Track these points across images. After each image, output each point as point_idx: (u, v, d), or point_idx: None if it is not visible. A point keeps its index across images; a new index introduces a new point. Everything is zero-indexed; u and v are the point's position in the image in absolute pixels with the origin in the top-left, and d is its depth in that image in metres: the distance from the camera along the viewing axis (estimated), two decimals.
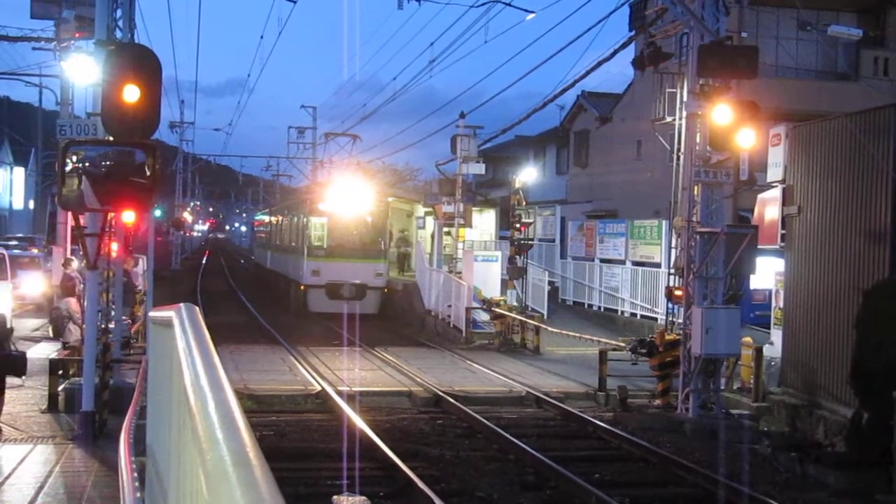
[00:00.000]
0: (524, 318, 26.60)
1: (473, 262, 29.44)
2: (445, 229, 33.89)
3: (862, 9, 31.06)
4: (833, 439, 15.02)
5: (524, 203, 30.80)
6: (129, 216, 15.08)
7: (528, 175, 35.09)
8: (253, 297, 41.41)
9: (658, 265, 27.71)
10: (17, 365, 13.18)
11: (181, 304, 4.83)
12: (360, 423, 14.52)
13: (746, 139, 15.81)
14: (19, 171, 66.55)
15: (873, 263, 14.97)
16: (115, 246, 15.36)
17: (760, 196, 19.36)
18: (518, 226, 29.74)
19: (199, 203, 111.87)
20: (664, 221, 26.14)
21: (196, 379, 3.05)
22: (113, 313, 15.73)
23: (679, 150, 17.72)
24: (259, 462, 2.08)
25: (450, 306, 29.02)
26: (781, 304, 18.65)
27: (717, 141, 16.00)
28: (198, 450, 2.51)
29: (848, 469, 12.82)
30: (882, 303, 13.75)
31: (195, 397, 2.87)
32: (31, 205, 48.10)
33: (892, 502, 11.64)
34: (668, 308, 19.87)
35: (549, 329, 25.32)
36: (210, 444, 2.30)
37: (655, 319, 26.10)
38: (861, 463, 12.82)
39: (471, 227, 34.15)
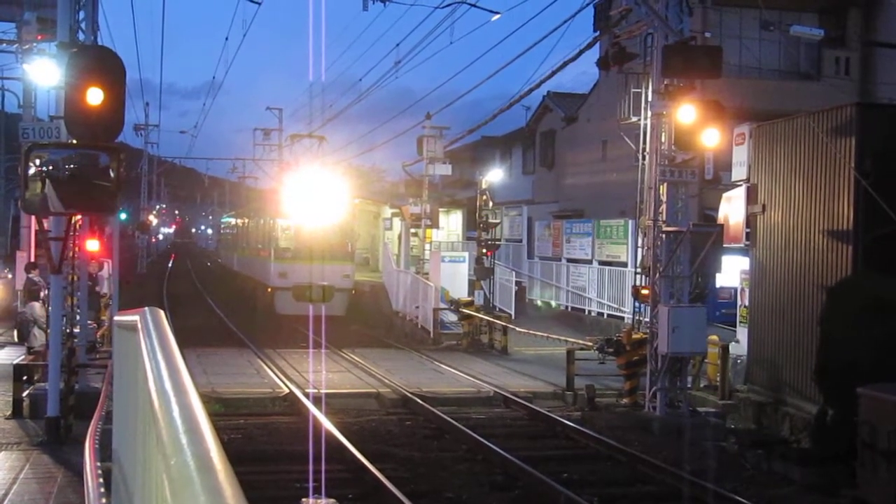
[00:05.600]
0: (492, 319, 26.62)
1: (441, 262, 29.43)
2: (412, 230, 33.85)
3: (823, 9, 31.36)
4: (798, 436, 15.15)
5: (491, 203, 30.83)
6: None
7: (494, 175, 35.11)
8: (220, 299, 41.16)
9: (624, 264, 27.82)
10: None
11: (146, 308, 4.80)
12: (328, 425, 14.47)
13: (711, 138, 15.89)
14: None
15: (837, 261, 15.11)
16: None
17: (725, 195, 19.48)
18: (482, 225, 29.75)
19: (164, 206, 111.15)
20: (630, 221, 26.24)
21: (160, 383, 3.03)
22: (78, 317, 15.60)
23: (644, 149, 17.79)
24: (223, 467, 2.08)
25: (417, 307, 28.99)
26: (747, 303, 18.78)
27: (682, 140, 16.08)
28: (162, 455, 2.49)
29: (813, 465, 12.94)
30: (846, 300, 13.89)
31: (159, 402, 2.85)
32: None
33: (857, 497, 11.74)
34: (634, 307, 19.97)
35: (517, 329, 25.34)
36: (174, 450, 2.29)
37: (622, 318, 26.20)
38: (826, 459, 12.94)
39: (438, 227, 34.13)
